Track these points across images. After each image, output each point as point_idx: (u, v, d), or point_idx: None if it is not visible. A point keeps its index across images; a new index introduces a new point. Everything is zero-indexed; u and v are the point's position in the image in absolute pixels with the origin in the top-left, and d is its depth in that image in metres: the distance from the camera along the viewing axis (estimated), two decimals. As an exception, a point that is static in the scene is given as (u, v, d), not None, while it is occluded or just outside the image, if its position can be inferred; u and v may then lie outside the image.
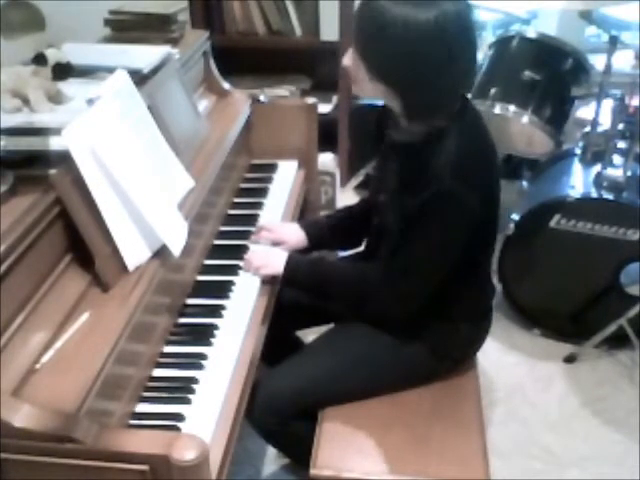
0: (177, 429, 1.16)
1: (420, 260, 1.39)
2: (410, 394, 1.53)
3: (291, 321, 1.77)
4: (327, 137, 2.42)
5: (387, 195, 1.47)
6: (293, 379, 1.50)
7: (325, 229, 1.74)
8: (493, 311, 1.63)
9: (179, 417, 1.18)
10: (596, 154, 2.39)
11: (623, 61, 2.60)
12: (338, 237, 1.75)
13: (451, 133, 1.33)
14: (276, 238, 1.68)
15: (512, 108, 2.50)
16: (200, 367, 1.30)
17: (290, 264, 1.54)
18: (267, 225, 1.74)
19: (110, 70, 1.42)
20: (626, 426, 2.07)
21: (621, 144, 2.34)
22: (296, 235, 1.70)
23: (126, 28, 1.89)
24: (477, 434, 1.45)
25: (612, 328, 2.23)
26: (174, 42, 1.85)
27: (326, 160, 2.72)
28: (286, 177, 2.01)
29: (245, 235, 1.71)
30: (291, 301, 1.69)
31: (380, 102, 1.44)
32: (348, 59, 1.35)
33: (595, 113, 2.38)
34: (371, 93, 1.36)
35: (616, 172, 2.23)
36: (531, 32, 2.55)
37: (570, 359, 2.32)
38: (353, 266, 1.62)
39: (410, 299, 1.43)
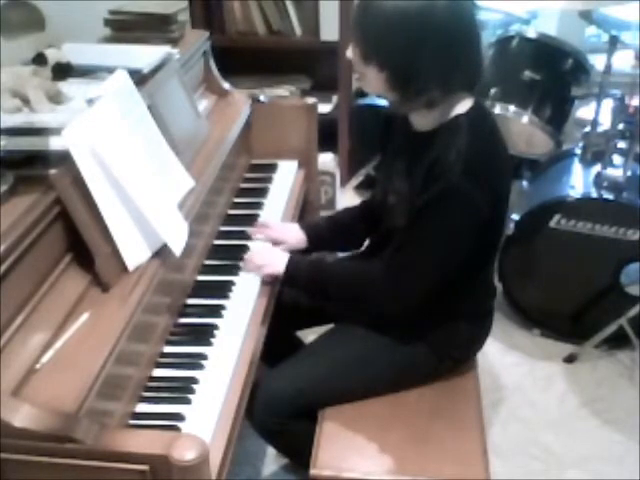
0: (177, 429, 1.16)
1: (422, 257, 1.39)
2: (410, 394, 1.53)
3: (291, 321, 1.77)
4: (327, 137, 2.42)
5: (396, 197, 1.47)
6: (293, 379, 1.50)
7: (325, 230, 1.74)
8: (494, 311, 1.63)
9: (179, 417, 1.18)
10: (596, 154, 2.39)
11: (623, 61, 2.61)
12: (338, 239, 1.75)
13: (462, 131, 1.32)
14: (276, 237, 1.68)
15: (512, 108, 2.50)
16: (200, 367, 1.30)
17: (291, 263, 1.54)
18: (268, 223, 1.74)
19: (110, 70, 1.42)
20: (626, 426, 2.07)
21: (621, 144, 2.34)
22: (296, 236, 1.70)
23: (126, 28, 1.89)
24: (477, 434, 1.45)
25: (612, 328, 2.23)
26: (174, 42, 1.85)
27: (326, 160, 2.72)
28: (286, 177, 2.01)
29: (245, 235, 1.71)
30: (291, 301, 1.69)
31: (383, 101, 1.44)
32: (350, 51, 1.37)
33: (595, 113, 2.39)
34: (373, 85, 1.37)
35: (616, 172, 2.24)
36: (531, 32, 2.55)
37: (570, 359, 2.32)
38: (354, 265, 1.62)
39: (409, 297, 1.42)
